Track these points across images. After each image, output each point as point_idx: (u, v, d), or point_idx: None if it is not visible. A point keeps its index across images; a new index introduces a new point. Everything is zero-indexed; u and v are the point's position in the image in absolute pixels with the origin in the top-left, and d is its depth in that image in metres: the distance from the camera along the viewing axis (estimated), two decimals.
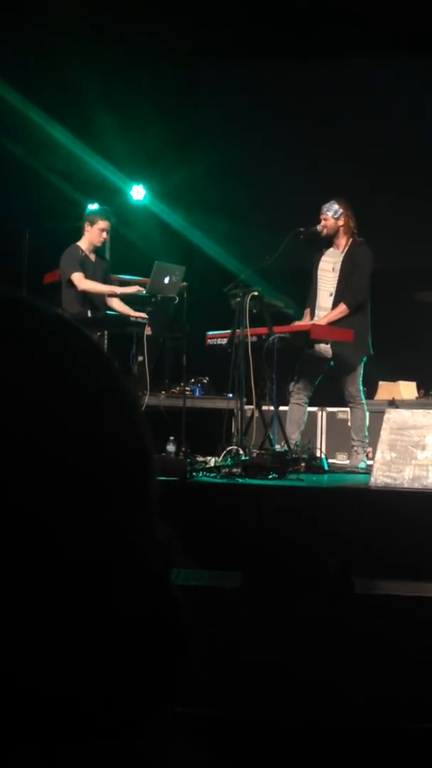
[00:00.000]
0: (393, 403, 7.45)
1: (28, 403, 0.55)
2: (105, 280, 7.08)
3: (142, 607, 0.57)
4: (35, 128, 8.70)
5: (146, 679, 0.57)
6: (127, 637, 0.56)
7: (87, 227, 6.95)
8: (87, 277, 6.85)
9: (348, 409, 6.95)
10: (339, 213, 6.67)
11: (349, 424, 6.95)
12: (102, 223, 6.94)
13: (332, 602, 1.69)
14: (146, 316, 6.95)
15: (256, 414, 6.61)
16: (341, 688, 1.57)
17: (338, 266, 6.70)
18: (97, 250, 7.10)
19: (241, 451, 6.13)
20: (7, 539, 0.53)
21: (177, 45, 9.56)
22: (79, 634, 0.55)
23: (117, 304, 7.04)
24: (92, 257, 7.01)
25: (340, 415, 7.64)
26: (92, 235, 6.94)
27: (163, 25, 9.31)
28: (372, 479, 5.37)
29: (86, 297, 6.89)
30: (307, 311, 6.86)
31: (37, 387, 0.56)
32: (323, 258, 6.78)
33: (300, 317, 6.91)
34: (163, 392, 8.05)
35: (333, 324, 6.59)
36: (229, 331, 6.72)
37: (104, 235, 7.02)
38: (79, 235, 6.99)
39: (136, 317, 6.95)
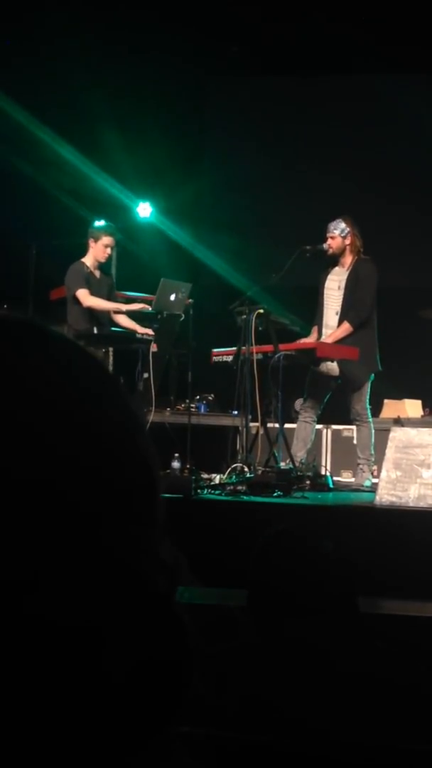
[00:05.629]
0: (398, 422, 7.44)
1: (28, 427, 0.55)
2: (110, 297, 7.08)
3: (146, 630, 0.57)
4: (43, 146, 8.75)
5: (150, 702, 0.57)
6: (130, 659, 0.56)
7: (91, 243, 6.95)
8: (92, 293, 6.86)
9: (353, 426, 6.94)
10: (346, 231, 6.67)
11: (355, 442, 6.93)
12: (106, 240, 6.94)
13: (337, 621, 1.68)
14: (152, 333, 6.95)
15: (261, 431, 6.60)
16: (345, 710, 1.56)
17: (344, 284, 6.71)
18: (102, 267, 7.10)
19: (246, 469, 6.12)
20: (4, 564, 0.53)
21: (183, 63, 9.62)
22: (81, 656, 0.54)
23: (123, 320, 7.04)
24: (97, 273, 7.02)
25: (346, 433, 7.63)
26: (97, 252, 6.94)
27: (170, 44, 9.36)
28: (377, 498, 5.35)
29: (92, 313, 6.89)
30: (315, 329, 6.87)
31: (39, 411, 0.55)
32: (329, 276, 6.79)
33: (307, 334, 6.92)
34: (169, 409, 8.05)
35: (339, 341, 6.59)
36: (234, 348, 6.72)
37: (108, 251, 7.02)
38: (85, 251, 7.00)
39: (143, 333, 6.95)
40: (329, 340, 6.61)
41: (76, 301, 6.83)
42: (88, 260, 6.95)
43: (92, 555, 0.55)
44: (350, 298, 6.64)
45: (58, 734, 0.54)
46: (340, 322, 6.66)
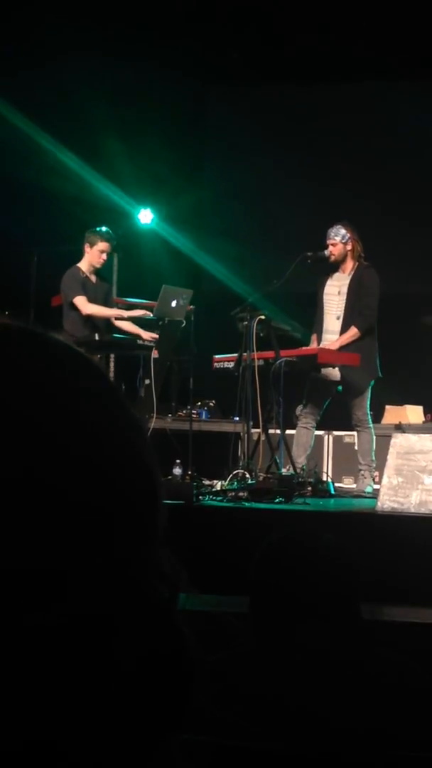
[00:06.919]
0: (399, 427, 7.44)
1: (30, 435, 0.55)
2: (106, 302, 7.05)
3: (147, 641, 0.57)
4: (45, 153, 8.77)
5: (153, 713, 0.57)
6: (132, 670, 0.56)
7: (87, 248, 6.91)
8: (89, 299, 6.81)
9: (355, 432, 6.94)
10: (347, 237, 6.68)
11: (356, 447, 6.93)
12: (102, 245, 6.90)
13: (339, 627, 1.68)
14: (158, 336, 6.94)
15: (263, 437, 6.61)
16: (346, 717, 1.56)
17: (345, 289, 6.70)
18: (99, 272, 7.08)
19: (247, 475, 6.12)
20: (7, 574, 0.53)
21: (184, 71, 9.64)
22: (83, 669, 0.54)
23: (127, 325, 7.02)
24: (93, 279, 6.98)
25: (347, 439, 7.63)
26: (92, 257, 6.91)
27: (171, 53, 9.39)
28: (379, 504, 5.35)
29: (90, 319, 6.87)
30: (314, 336, 6.86)
31: (41, 419, 0.55)
32: (328, 282, 6.79)
33: (307, 341, 6.91)
34: (170, 415, 8.05)
35: (341, 348, 6.59)
36: (236, 355, 6.73)
37: (104, 256, 6.97)
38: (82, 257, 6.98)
39: (145, 339, 6.94)
40: (335, 345, 6.60)
41: (73, 308, 6.80)
42: (84, 265, 6.92)
43: (94, 564, 0.55)
44: (355, 303, 6.63)
45: (65, 748, 0.54)
46: (344, 327, 6.65)
